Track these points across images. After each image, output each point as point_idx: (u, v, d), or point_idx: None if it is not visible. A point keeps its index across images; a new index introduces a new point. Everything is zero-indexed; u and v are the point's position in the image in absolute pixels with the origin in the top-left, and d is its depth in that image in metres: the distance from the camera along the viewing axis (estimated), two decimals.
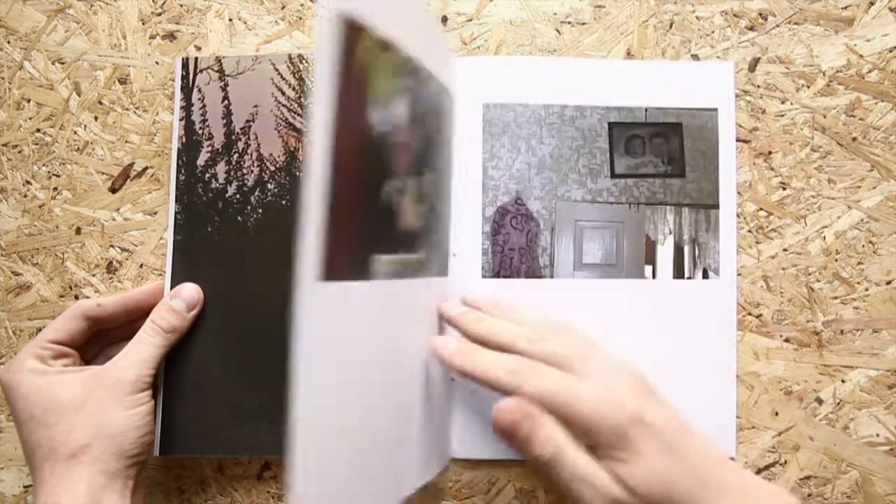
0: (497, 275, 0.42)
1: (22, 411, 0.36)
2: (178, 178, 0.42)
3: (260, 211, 0.42)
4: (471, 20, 0.44)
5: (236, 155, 0.43)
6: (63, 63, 0.44)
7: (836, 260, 0.43)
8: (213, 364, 0.41)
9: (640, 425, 0.31)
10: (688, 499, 0.31)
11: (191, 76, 0.43)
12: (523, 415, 0.32)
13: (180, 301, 0.40)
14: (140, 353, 0.38)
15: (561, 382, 0.33)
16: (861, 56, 0.44)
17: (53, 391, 0.36)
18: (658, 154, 0.43)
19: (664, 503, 0.31)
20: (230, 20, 0.44)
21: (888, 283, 0.43)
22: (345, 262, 0.30)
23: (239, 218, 0.42)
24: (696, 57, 0.44)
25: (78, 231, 0.44)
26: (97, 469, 0.35)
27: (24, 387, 0.36)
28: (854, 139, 0.43)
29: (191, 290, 0.41)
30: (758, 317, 0.43)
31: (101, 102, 0.44)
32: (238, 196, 0.42)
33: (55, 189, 0.44)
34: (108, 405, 0.36)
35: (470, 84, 0.43)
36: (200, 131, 0.43)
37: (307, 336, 0.27)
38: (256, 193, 0.43)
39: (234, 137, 0.43)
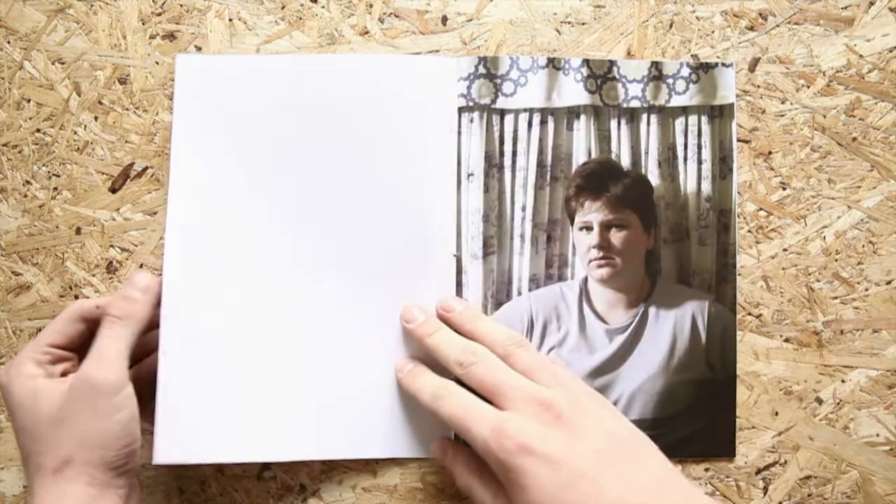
0: None
1: (16, 419, 0.35)
2: None
3: None
4: (471, 20, 0.44)
5: None
6: (63, 63, 0.44)
7: (836, 260, 0.43)
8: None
9: (528, 455, 0.31)
10: None
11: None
12: (443, 449, 0.38)
13: (131, 287, 0.38)
14: (101, 354, 0.36)
15: (471, 410, 0.34)
16: (861, 56, 0.44)
17: (37, 403, 0.35)
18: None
19: None
20: (230, 20, 0.44)
21: (888, 283, 0.43)
22: None
23: None
24: (696, 57, 0.44)
25: (78, 231, 0.44)
26: (83, 482, 0.34)
27: (19, 393, 0.35)
28: (854, 139, 0.43)
29: (140, 275, 0.39)
30: (758, 317, 0.43)
31: (101, 102, 0.44)
32: None
33: (55, 189, 0.44)
34: (86, 416, 0.34)
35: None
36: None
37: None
38: None
39: None
